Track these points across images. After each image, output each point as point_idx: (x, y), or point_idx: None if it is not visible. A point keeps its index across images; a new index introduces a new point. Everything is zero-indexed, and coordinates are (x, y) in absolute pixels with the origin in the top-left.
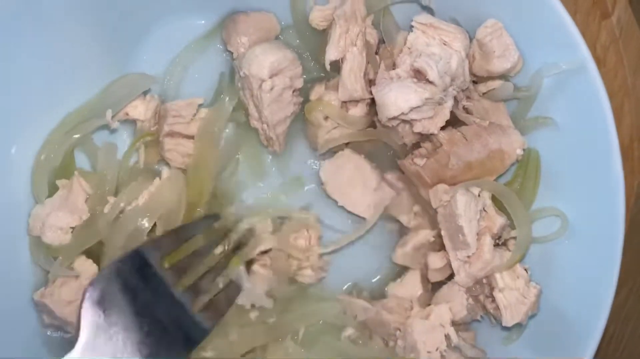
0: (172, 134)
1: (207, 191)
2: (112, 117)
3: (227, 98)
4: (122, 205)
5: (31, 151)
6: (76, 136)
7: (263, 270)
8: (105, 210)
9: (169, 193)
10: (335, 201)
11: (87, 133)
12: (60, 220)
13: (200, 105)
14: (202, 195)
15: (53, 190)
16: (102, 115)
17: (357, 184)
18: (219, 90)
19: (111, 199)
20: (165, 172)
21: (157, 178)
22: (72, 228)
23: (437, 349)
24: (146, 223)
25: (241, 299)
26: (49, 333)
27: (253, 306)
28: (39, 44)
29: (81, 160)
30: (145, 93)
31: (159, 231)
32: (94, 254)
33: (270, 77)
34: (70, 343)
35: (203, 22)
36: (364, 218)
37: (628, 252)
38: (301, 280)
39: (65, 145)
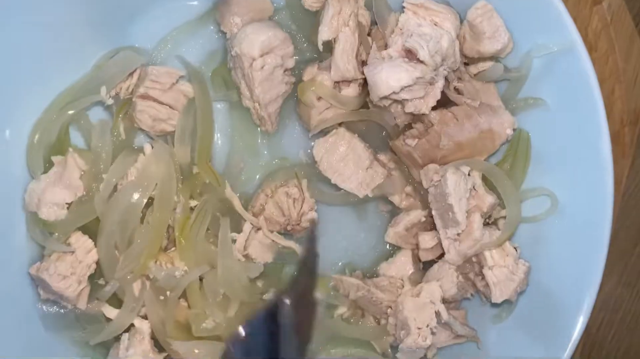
0: (146, 97)
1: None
2: (106, 93)
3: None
4: (113, 180)
5: (26, 128)
6: (70, 112)
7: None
8: (101, 188)
9: (156, 167)
10: (328, 179)
11: (81, 110)
12: (55, 195)
13: (181, 78)
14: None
15: (48, 166)
16: (95, 92)
17: (350, 162)
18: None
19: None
20: (147, 147)
21: (142, 154)
22: (68, 204)
23: (427, 326)
24: (141, 198)
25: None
26: (45, 308)
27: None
28: (30, 23)
29: (76, 138)
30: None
31: (156, 205)
32: (89, 230)
33: (261, 56)
34: (66, 317)
35: (197, 2)
36: (356, 196)
37: (617, 240)
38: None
39: (59, 121)
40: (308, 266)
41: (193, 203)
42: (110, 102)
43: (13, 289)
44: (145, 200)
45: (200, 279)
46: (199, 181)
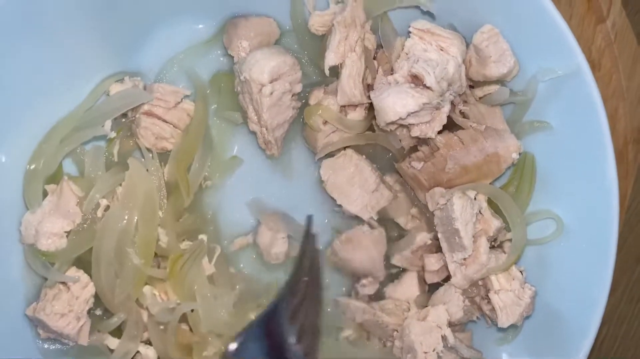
0: (150, 114)
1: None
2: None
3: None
4: (97, 196)
5: (21, 155)
6: (69, 147)
7: None
8: (84, 205)
9: (139, 182)
10: (334, 200)
11: (79, 144)
12: (54, 225)
13: (185, 97)
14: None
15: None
16: (96, 124)
17: (356, 184)
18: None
19: (103, 201)
20: (130, 162)
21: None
22: (67, 232)
23: (434, 350)
24: (130, 220)
25: None
26: (46, 346)
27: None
28: (37, 45)
29: (66, 164)
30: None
31: (139, 224)
32: (83, 263)
33: (271, 82)
34: (68, 353)
35: (202, 26)
36: (360, 218)
37: (621, 255)
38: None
39: (58, 155)
40: (308, 265)
41: (183, 245)
42: (112, 135)
43: (12, 327)
44: (134, 220)
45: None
46: (191, 222)
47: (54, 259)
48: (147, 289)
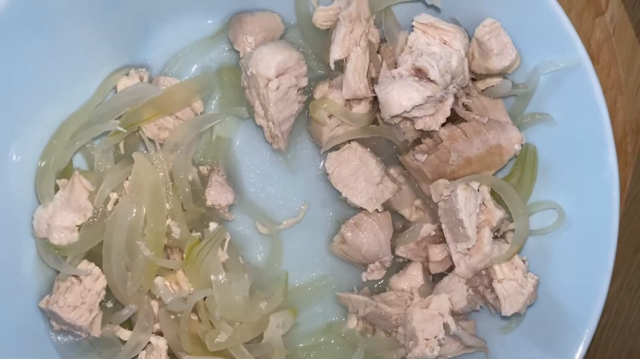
0: None
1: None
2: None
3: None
4: (107, 191)
5: (32, 153)
6: (80, 142)
7: None
8: (95, 199)
9: (145, 175)
10: (339, 192)
11: (89, 140)
12: (66, 219)
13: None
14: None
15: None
16: (106, 119)
17: (361, 177)
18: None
19: (113, 195)
20: (135, 156)
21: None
22: (78, 226)
23: (435, 337)
24: (138, 212)
25: None
26: (59, 338)
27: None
28: (44, 43)
29: (76, 159)
30: (135, 68)
31: (148, 216)
32: (94, 255)
33: (277, 77)
34: (81, 344)
35: (208, 22)
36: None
37: (620, 245)
38: None
39: (69, 151)
40: None
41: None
42: (122, 129)
43: (25, 320)
44: (143, 213)
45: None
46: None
47: (66, 252)
48: (158, 280)
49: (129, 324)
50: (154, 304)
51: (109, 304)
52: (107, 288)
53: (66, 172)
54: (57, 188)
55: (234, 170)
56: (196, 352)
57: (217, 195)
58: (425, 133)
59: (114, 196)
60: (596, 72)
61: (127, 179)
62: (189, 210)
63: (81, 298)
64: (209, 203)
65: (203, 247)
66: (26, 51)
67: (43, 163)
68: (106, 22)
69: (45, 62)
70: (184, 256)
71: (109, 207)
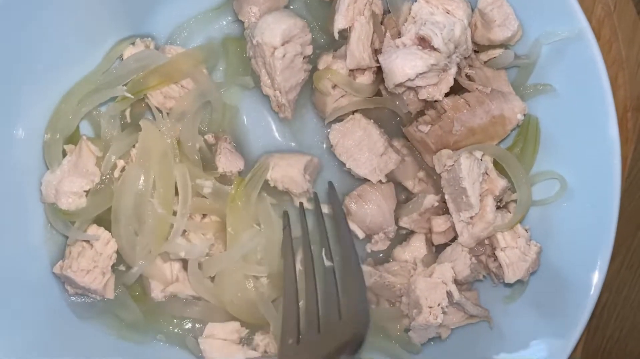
0: None
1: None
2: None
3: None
4: (113, 158)
5: (39, 118)
6: (86, 108)
7: None
8: (102, 166)
9: (153, 143)
10: (343, 164)
11: (96, 105)
12: (73, 184)
13: None
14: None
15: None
16: (113, 86)
17: (364, 148)
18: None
19: (120, 162)
20: (143, 123)
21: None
22: (86, 191)
23: (438, 305)
24: (146, 178)
25: None
26: (73, 298)
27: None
28: (52, 14)
29: (82, 125)
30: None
31: (158, 181)
32: (103, 221)
33: (283, 45)
34: (95, 306)
35: None
36: (369, 181)
37: (621, 222)
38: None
39: (77, 116)
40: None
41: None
42: (129, 95)
43: (40, 284)
44: (151, 179)
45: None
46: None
47: (74, 218)
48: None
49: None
50: (170, 266)
51: (122, 268)
52: (118, 253)
53: (73, 138)
54: (64, 154)
55: (240, 138)
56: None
57: (228, 161)
58: (429, 105)
59: (120, 163)
60: None
61: (134, 147)
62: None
63: (93, 261)
64: (220, 170)
65: (250, 179)
66: (32, 23)
67: (50, 130)
68: None
69: (51, 33)
70: (232, 190)
71: (116, 174)
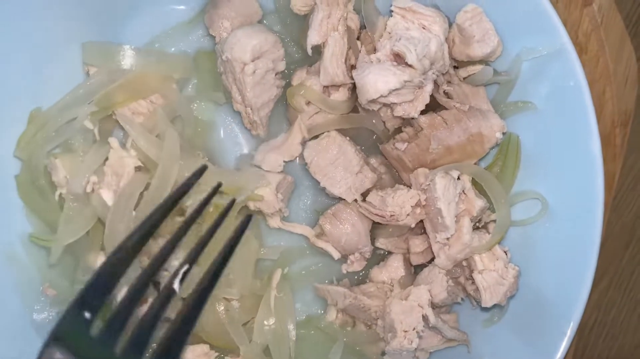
0: None
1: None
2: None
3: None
4: (86, 175)
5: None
6: (53, 144)
7: None
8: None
9: (124, 161)
10: (318, 182)
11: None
12: None
13: None
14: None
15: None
16: (77, 104)
17: (340, 166)
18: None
19: (93, 178)
20: (112, 141)
21: (111, 149)
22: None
23: (414, 329)
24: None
25: None
26: (34, 316)
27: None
28: (18, 29)
29: None
30: None
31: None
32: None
33: (253, 61)
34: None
35: (184, 7)
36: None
37: (609, 242)
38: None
39: (47, 145)
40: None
41: None
42: (91, 127)
43: None
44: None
45: None
46: None
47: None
48: None
49: None
50: None
51: None
52: None
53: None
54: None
55: (214, 153)
56: None
57: None
58: (406, 122)
59: (93, 179)
60: (584, 63)
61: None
62: None
63: None
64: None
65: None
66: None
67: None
68: (83, 5)
69: (15, 44)
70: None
71: (88, 189)
